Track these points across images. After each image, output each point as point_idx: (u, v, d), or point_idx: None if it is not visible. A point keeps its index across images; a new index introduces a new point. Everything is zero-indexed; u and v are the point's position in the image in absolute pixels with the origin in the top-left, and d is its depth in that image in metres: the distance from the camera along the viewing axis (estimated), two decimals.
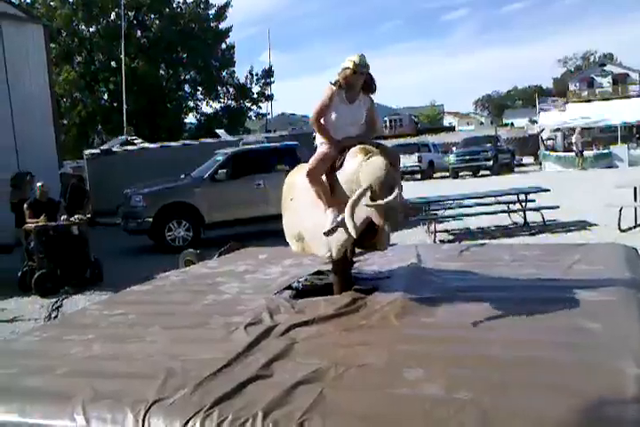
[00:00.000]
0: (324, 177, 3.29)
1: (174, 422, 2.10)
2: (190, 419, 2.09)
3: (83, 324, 3.49)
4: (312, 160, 3.32)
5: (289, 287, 3.83)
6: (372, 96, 3.43)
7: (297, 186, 3.60)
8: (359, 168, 3.05)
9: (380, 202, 2.89)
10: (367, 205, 2.96)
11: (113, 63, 29.02)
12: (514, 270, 3.85)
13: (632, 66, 56.53)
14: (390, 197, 2.88)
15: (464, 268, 4.05)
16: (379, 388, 2.20)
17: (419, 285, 3.61)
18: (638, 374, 2.13)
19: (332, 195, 3.28)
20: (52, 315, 5.13)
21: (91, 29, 29.96)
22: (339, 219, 3.19)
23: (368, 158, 3.06)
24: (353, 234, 3.02)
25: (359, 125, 3.39)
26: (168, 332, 3.12)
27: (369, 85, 3.34)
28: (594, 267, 3.80)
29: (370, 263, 4.23)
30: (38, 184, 7.58)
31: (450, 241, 7.89)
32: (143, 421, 2.14)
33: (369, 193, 2.94)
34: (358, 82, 3.26)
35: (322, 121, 3.34)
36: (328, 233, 3.25)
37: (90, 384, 2.43)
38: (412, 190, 10.69)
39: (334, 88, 3.27)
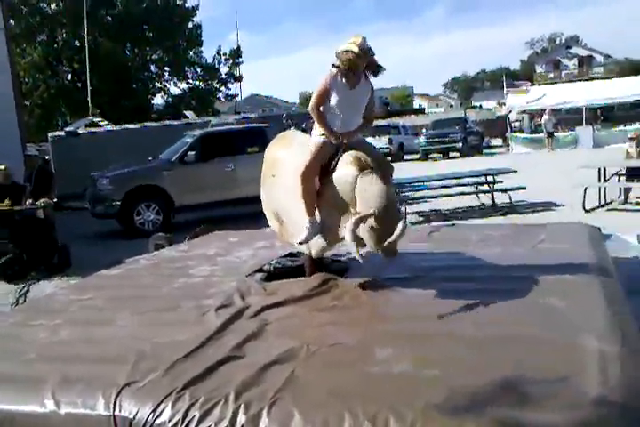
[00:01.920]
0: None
1: (145, 405, 2.10)
2: (162, 402, 2.09)
3: (51, 309, 3.45)
4: (308, 157, 3.16)
5: (260, 270, 3.83)
6: (372, 84, 3.29)
7: (282, 163, 3.48)
8: (354, 182, 2.98)
9: (389, 240, 2.87)
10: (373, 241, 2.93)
11: (77, 42, 28.19)
12: (481, 250, 3.92)
13: (597, 48, 57.25)
14: (397, 234, 2.87)
15: (433, 248, 4.11)
16: (350, 366, 2.24)
17: (388, 266, 3.65)
18: (599, 349, 2.19)
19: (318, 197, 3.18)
20: (19, 301, 5.04)
21: (52, 6, 29.00)
22: (311, 227, 3.15)
23: (364, 174, 2.97)
24: (355, 254, 2.96)
25: (360, 112, 3.27)
26: (138, 315, 3.10)
27: (374, 69, 3.21)
28: (558, 246, 3.89)
29: (341, 245, 4.25)
30: (0, 167, 7.39)
31: (420, 222, 7.97)
32: (114, 404, 2.14)
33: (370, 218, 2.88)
34: (361, 66, 3.11)
35: (321, 109, 3.19)
36: (302, 243, 3.22)
37: (59, 369, 2.41)
38: None
39: (334, 71, 3.14)
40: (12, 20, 25.93)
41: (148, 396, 2.14)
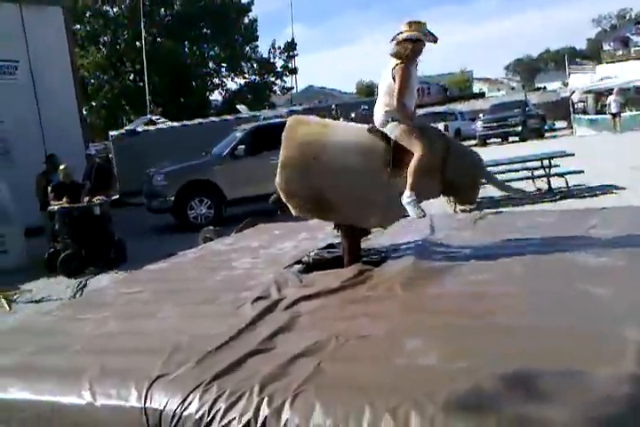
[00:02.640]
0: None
1: (175, 397, 2.14)
2: (190, 394, 2.13)
3: (100, 302, 3.58)
4: (415, 142, 3.26)
5: (299, 262, 3.85)
6: None
7: (328, 146, 3.43)
8: (446, 146, 3.38)
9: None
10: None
11: (137, 43, 29.04)
12: (527, 238, 3.79)
13: None
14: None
15: (477, 236, 4.00)
16: (376, 359, 2.21)
17: (428, 255, 3.59)
18: None
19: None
20: (77, 295, 5.26)
21: (114, 9, 29.96)
22: (412, 199, 3.33)
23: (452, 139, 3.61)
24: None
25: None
26: (179, 308, 3.17)
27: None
28: (609, 231, 3.70)
29: (381, 235, 4.21)
30: (61, 167, 7.70)
31: (471, 210, 7.78)
32: (146, 396, 2.19)
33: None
34: (423, 49, 3.30)
35: (405, 102, 3.33)
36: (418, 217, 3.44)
37: (99, 361, 2.49)
38: None
39: (405, 62, 3.23)
40: (77, 25, 27.05)
41: (177, 388, 2.19)
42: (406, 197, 3.33)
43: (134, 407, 2.18)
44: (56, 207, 7.24)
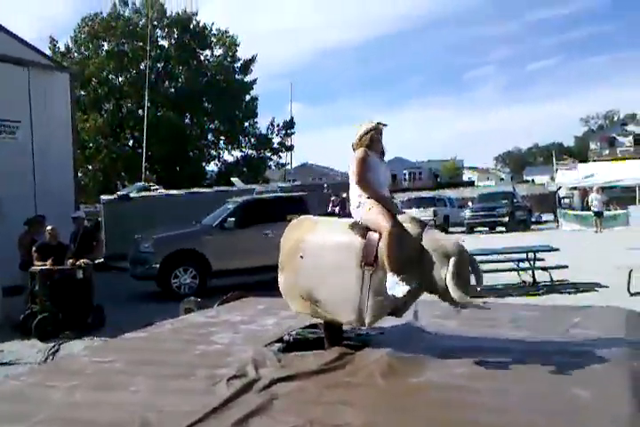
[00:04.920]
0: (376, 235, 3.26)
1: None
2: None
3: (70, 370, 3.48)
4: (382, 218, 3.25)
5: (280, 340, 3.79)
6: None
7: (311, 244, 3.49)
8: (418, 238, 3.19)
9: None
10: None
11: (140, 111, 29.92)
12: (511, 332, 3.78)
13: None
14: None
15: (460, 327, 3.98)
16: None
17: (410, 342, 3.56)
18: None
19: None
20: (48, 360, 5.10)
21: (120, 78, 31.12)
22: (399, 282, 3.16)
23: (428, 229, 3.27)
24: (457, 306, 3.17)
25: (388, 184, 3.60)
26: (152, 381, 3.09)
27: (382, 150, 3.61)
28: (592, 331, 3.72)
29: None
30: (48, 228, 7.69)
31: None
32: None
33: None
34: (380, 138, 3.53)
35: (367, 178, 3.42)
36: (404, 297, 3.21)
37: None
38: None
39: (364, 148, 3.45)
40: (82, 91, 27.96)
41: None
42: (389, 282, 3.19)
43: None
44: (38, 268, 7.16)
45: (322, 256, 3.42)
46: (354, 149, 3.52)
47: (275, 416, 2.50)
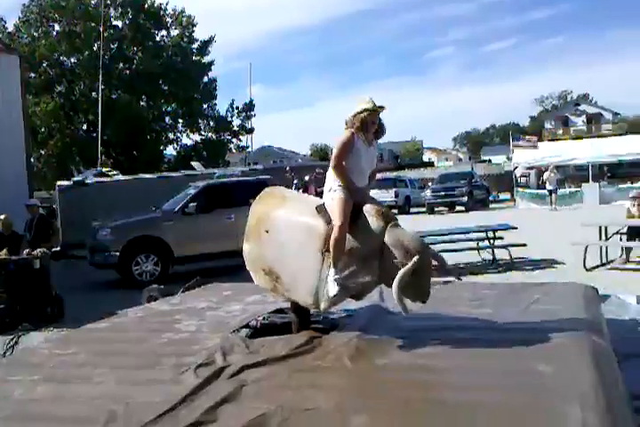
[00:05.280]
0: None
1: None
2: None
3: (31, 363, 3.39)
4: (339, 213, 3.20)
5: (247, 326, 3.78)
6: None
7: (277, 220, 3.49)
8: (381, 234, 3.11)
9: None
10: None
11: (93, 94, 29.05)
12: (473, 310, 3.86)
13: (606, 105, 58.20)
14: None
15: (424, 306, 4.03)
16: None
17: (377, 324, 3.59)
18: (582, 418, 2.12)
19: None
20: (7, 353, 4.96)
21: (72, 60, 30.11)
22: (336, 277, 3.18)
23: (392, 226, 3.13)
24: (403, 310, 3.06)
25: (372, 168, 3.46)
26: (117, 372, 3.03)
27: (380, 130, 3.41)
28: (551, 307, 3.82)
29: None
30: (1, 217, 7.44)
31: None
32: None
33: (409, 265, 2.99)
34: (374, 122, 3.32)
35: (344, 165, 3.31)
36: (336, 296, 3.22)
37: None
38: None
39: (353, 131, 3.30)
40: (32, 74, 26.97)
41: None
42: (331, 275, 3.23)
43: None
44: None
45: (286, 234, 3.41)
46: (345, 128, 3.35)
47: (245, 403, 2.49)
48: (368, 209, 3.23)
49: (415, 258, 2.98)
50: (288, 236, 3.40)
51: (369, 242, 3.16)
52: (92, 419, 2.41)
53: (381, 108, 3.33)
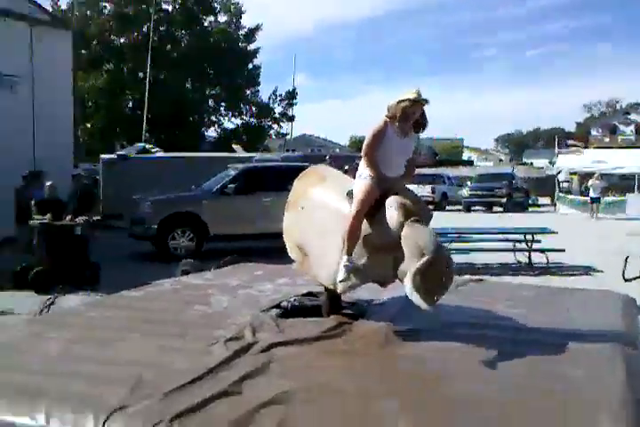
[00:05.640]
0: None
1: None
2: None
3: (68, 323, 3.48)
4: (358, 200, 3.18)
5: (277, 306, 3.80)
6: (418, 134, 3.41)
7: (313, 197, 3.52)
8: (399, 228, 3.00)
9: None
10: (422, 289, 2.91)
11: (140, 74, 29.48)
12: (506, 310, 3.80)
13: None
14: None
15: (457, 302, 3.98)
16: (344, 416, 2.16)
17: (407, 315, 3.57)
18: None
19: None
20: (44, 311, 5.12)
21: (122, 40, 30.60)
22: (346, 264, 3.16)
23: (411, 222, 3.00)
24: (423, 305, 2.95)
25: (406, 160, 3.37)
26: (149, 339, 3.09)
27: (421, 123, 3.30)
28: (586, 313, 3.74)
29: (363, 288, 4.19)
30: (48, 183, 7.66)
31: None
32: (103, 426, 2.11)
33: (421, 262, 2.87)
34: (415, 114, 3.21)
35: (374, 153, 3.27)
36: (342, 281, 3.23)
37: (59, 385, 2.41)
38: None
39: (387, 120, 3.23)
40: (83, 51, 27.51)
41: (136, 422, 2.11)
42: (342, 262, 3.20)
43: None
44: (38, 222, 7.16)
45: (317, 214, 3.45)
46: (386, 114, 3.26)
47: (270, 379, 2.50)
48: (390, 201, 3.13)
49: (424, 259, 2.88)
50: (319, 215, 3.45)
51: (384, 234, 3.10)
52: (123, 381, 2.45)
53: (425, 101, 3.21)
